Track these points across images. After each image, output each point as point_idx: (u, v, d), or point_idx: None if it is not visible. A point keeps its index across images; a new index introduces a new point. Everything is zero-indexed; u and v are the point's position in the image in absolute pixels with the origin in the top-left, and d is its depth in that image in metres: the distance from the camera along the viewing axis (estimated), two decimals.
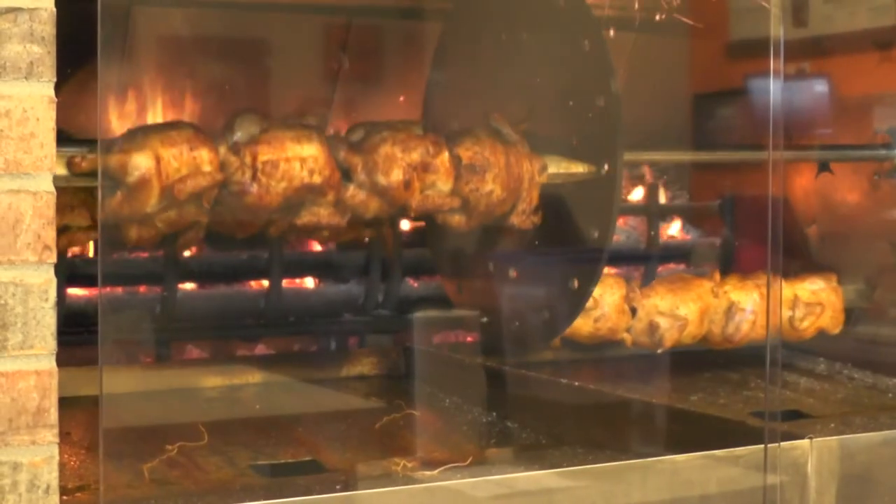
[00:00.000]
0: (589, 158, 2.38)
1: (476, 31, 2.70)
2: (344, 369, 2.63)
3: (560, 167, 2.35)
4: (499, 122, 2.34)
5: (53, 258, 1.50)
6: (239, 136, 2.01)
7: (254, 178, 2.00)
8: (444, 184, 2.19)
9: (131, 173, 1.91)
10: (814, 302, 2.66)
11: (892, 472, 2.09)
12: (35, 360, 1.50)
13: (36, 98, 1.48)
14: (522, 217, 2.31)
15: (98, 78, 1.69)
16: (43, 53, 1.48)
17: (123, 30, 2.54)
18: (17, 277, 1.48)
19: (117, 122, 2.66)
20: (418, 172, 2.14)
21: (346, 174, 2.12)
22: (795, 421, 2.25)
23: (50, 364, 1.51)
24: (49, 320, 1.50)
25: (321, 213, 2.10)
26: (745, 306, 2.58)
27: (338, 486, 1.78)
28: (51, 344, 1.50)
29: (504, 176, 2.25)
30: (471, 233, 2.74)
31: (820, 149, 2.92)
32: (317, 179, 2.05)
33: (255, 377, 2.49)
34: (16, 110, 1.47)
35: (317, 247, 2.92)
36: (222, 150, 1.99)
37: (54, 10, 1.49)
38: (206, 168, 1.96)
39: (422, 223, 2.94)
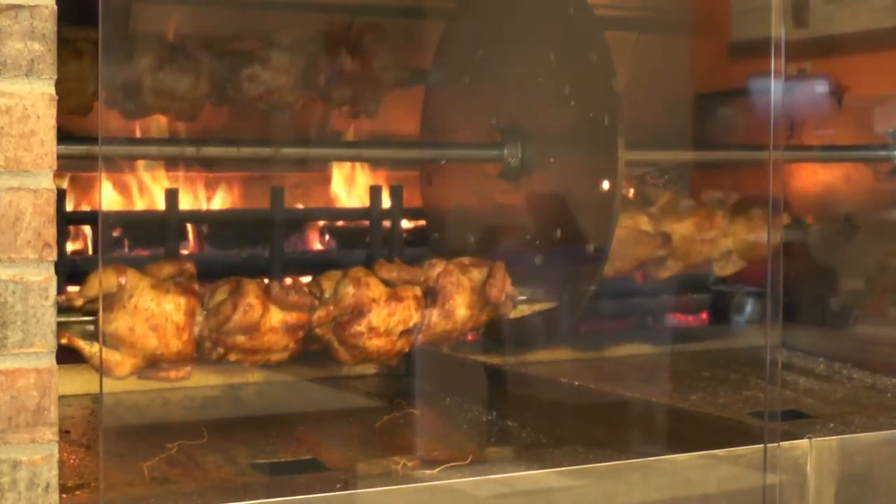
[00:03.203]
0: (589, 158, 2.39)
1: (477, 30, 2.70)
2: (344, 368, 2.62)
3: (526, 305, 2.33)
4: (493, 293, 2.24)
5: (54, 256, 1.50)
6: (222, 322, 1.99)
7: (223, 357, 2.03)
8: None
9: (113, 373, 1.92)
10: (743, 247, 2.70)
11: (891, 471, 2.09)
12: (35, 358, 1.49)
13: (36, 95, 1.48)
14: None
15: (99, 75, 1.69)
16: (44, 51, 1.48)
17: (124, 27, 2.54)
18: (17, 275, 1.48)
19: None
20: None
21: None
22: (795, 421, 2.25)
23: (50, 362, 1.51)
24: (49, 318, 1.50)
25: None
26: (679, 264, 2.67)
27: (338, 485, 1.78)
28: (51, 342, 1.50)
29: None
30: (471, 233, 2.75)
31: (821, 149, 2.93)
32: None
33: (255, 375, 2.49)
34: (16, 108, 1.47)
35: (317, 245, 2.92)
36: (201, 324, 1.98)
37: (55, 7, 1.49)
38: (180, 370, 1.98)
39: (422, 222, 2.94)
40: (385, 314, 2.07)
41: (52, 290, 1.50)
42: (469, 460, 1.95)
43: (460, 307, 2.15)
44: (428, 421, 2.35)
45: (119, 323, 1.88)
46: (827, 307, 2.93)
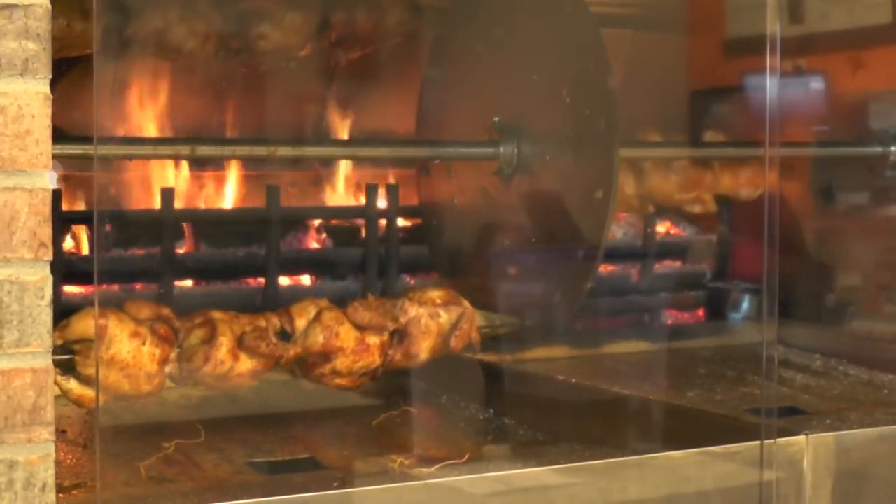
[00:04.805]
0: (585, 155, 2.39)
1: (473, 28, 2.70)
2: None
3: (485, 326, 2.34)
4: (457, 344, 2.25)
5: (49, 256, 1.50)
6: (193, 370, 2.00)
7: (189, 386, 2.07)
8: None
9: (83, 406, 1.93)
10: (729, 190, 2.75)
11: (887, 467, 2.09)
12: (31, 357, 1.49)
13: (31, 95, 1.48)
14: None
15: (94, 74, 1.69)
16: (38, 50, 1.48)
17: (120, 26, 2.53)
18: (12, 275, 1.48)
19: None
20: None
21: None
22: (792, 417, 2.25)
23: (46, 362, 1.51)
24: (45, 318, 1.50)
25: None
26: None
27: (335, 484, 1.78)
28: (47, 342, 1.50)
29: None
30: (468, 231, 2.75)
31: (817, 145, 2.93)
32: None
33: None
34: (11, 107, 1.47)
35: (314, 244, 2.92)
36: (173, 363, 1.99)
37: (50, 6, 1.48)
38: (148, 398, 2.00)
39: (418, 221, 2.94)
40: (350, 361, 2.11)
41: (48, 290, 1.50)
42: (466, 458, 1.96)
43: (424, 352, 2.19)
44: (425, 419, 2.35)
45: (94, 370, 1.90)
46: (823, 303, 2.94)
